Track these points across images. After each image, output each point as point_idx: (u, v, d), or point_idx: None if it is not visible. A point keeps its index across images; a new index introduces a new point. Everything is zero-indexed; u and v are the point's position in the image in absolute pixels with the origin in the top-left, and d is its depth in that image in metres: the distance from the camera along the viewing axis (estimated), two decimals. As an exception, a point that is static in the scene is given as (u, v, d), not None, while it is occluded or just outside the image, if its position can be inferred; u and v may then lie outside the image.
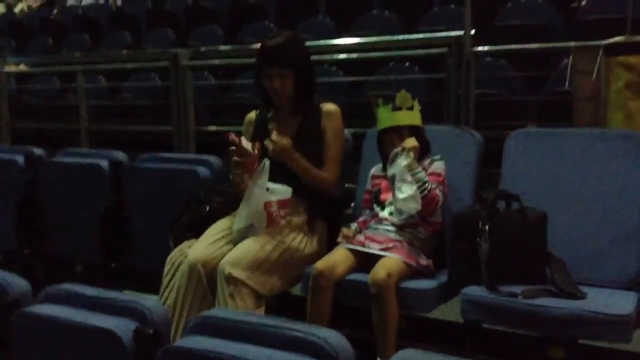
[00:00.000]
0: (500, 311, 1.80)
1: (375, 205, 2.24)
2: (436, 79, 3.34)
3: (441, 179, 2.13)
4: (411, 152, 2.08)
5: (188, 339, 1.27)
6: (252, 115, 2.45)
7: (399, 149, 2.10)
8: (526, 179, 2.18)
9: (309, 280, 2.01)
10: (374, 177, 2.30)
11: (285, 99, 2.26)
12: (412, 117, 2.18)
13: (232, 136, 2.10)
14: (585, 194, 2.08)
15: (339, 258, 2.04)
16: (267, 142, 2.13)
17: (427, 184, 2.06)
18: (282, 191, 2.14)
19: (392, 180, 2.11)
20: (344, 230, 2.20)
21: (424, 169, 2.12)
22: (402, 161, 2.06)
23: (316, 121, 2.30)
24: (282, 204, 2.14)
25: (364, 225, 2.23)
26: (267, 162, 2.11)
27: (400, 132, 2.17)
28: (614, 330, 1.69)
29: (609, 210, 2.02)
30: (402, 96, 2.17)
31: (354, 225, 2.26)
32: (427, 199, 2.06)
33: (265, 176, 2.10)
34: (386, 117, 2.19)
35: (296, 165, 2.18)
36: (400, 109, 2.17)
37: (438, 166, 2.16)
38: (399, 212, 2.09)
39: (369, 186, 2.31)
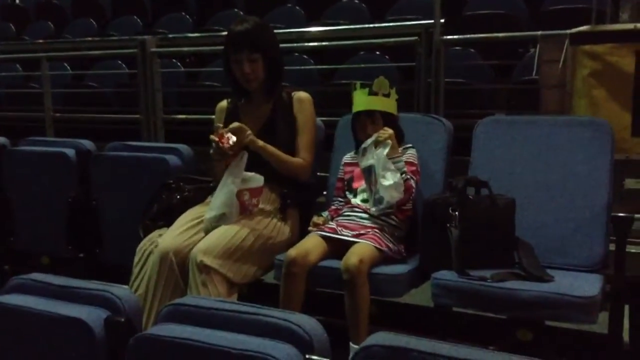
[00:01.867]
0: (470, 295, 1.83)
1: (347, 193, 2.25)
2: (406, 67, 3.36)
3: (414, 167, 2.15)
4: (389, 140, 2.07)
5: (160, 327, 1.26)
6: (224, 103, 2.43)
7: (368, 142, 2.08)
8: (495, 166, 2.21)
9: (282, 267, 2.01)
10: (346, 164, 2.30)
11: (256, 83, 2.25)
12: (387, 104, 2.19)
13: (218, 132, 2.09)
14: (552, 180, 2.12)
15: (311, 245, 2.04)
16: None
17: (404, 174, 2.08)
18: (254, 179, 2.13)
19: (365, 171, 2.10)
20: (315, 218, 2.21)
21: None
22: (383, 150, 2.05)
23: (287, 108, 2.30)
24: (254, 192, 2.14)
25: (336, 214, 2.24)
26: (245, 154, 2.11)
27: (373, 117, 2.17)
28: (580, 312, 1.73)
29: (575, 195, 2.07)
30: (380, 82, 2.17)
31: (325, 214, 2.26)
32: (404, 189, 2.06)
33: (242, 167, 2.10)
34: (361, 101, 2.19)
35: (264, 152, 2.17)
36: (376, 94, 2.17)
37: (411, 154, 2.17)
38: (379, 201, 2.06)
39: (341, 174, 2.31)
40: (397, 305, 2.20)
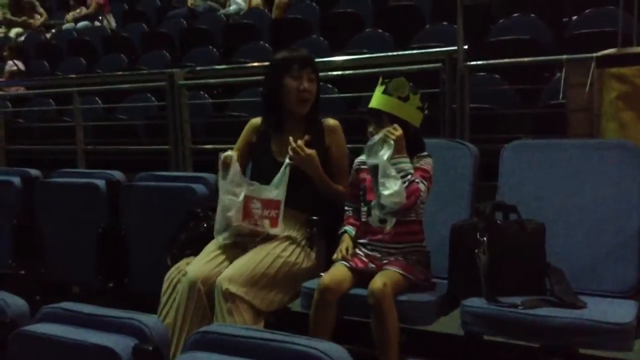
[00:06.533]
0: (501, 322, 1.79)
1: (362, 205, 2.15)
2: (431, 94, 3.36)
3: (427, 175, 2.03)
4: (391, 141, 1.94)
5: (187, 355, 1.26)
6: (258, 121, 2.41)
7: (375, 139, 1.97)
8: (523, 190, 2.18)
9: (315, 293, 1.97)
10: (359, 171, 2.17)
11: (308, 105, 2.27)
12: (400, 108, 2.00)
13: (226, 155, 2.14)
14: (582, 204, 2.08)
15: (343, 273, 2.00)
16: (290, 151, 2.16)
17: (409, 176, 1.97)
18: (274, 194, 2.14)
19: (372, 171, 2.00)
20: (342, 249, 2.10)
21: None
22: (385, 152, 1.94)
23: (320, 136, 2.31)
24: (267, 204, 2.13)
25: (356, 222, 2.16)
26: (234, 160, 2.15)
27: (378, 117, 2.03)
28: (615, 339, 1.68)
29: (606, 219, 2.03)
30: (397, 82, 2.00)
31: (350, 231, 2.15)
32: (408, 190, 1.95)
33: (238, 173, 2.14)
34: (374, 97, 2.06)
35: (318, 175, 2.20)
36: (390, 94, 2.01)
37: (425, 162, 2.05)
38: (382, 206, 1.97)
39: (353, 179, 2.20)
40: (426, 334, 2.17)
